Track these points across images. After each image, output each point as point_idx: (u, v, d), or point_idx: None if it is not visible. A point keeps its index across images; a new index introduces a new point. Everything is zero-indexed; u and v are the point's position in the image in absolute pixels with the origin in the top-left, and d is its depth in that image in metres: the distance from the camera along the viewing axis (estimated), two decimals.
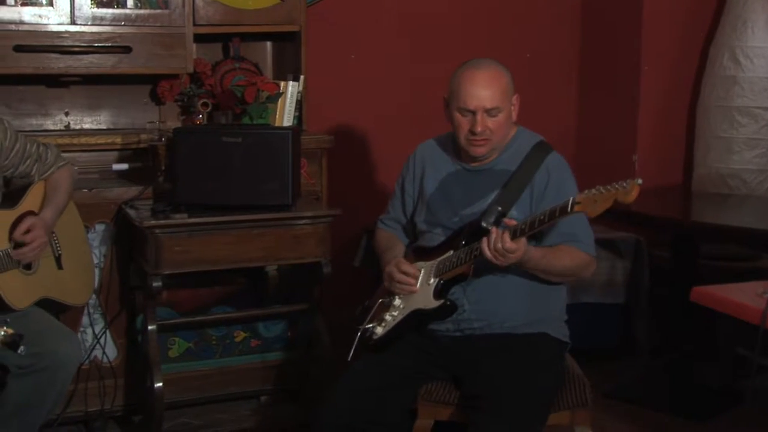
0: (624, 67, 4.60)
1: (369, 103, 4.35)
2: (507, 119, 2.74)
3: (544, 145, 2.81)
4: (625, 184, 2.35)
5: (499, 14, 4.61)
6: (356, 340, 2.81)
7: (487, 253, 2.53)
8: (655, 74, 4.51)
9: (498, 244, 2.51)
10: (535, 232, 2.53)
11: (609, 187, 2.37)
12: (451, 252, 2.69)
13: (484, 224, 2.64)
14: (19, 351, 2.31)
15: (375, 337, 2.76)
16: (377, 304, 2.84)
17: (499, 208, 2.68)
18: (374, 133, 4.39)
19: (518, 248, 2.52)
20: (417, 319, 2.72)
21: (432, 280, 2.71)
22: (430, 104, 4.40)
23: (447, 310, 2.69)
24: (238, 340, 3.67)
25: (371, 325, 2.79)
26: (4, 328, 2.30)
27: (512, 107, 2.75)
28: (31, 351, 2.66)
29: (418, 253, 2.82)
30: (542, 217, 2.48)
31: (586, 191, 2.41)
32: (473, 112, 2.68)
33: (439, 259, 2.72)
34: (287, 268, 3.63)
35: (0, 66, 3.34)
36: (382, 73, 4.40)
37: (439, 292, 2.69)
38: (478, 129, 2.68)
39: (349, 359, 2.79)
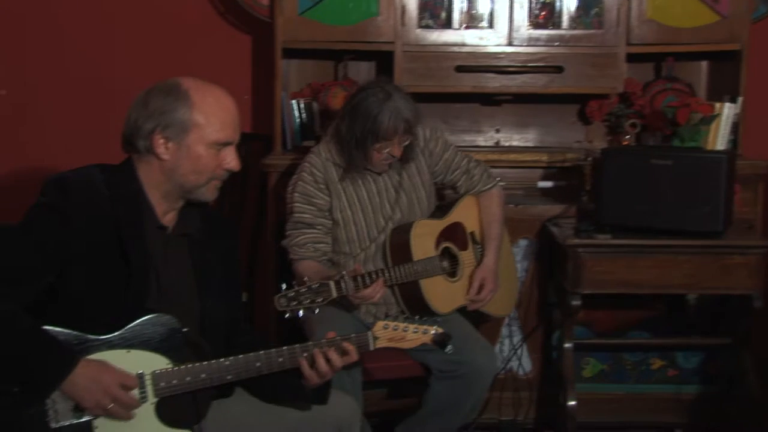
0: None
1: None
2: None
3: None
4: None
5: None
6: None
7: None
8: None
9: None
10: None
11: None
12: None
13: None
14: (446, 350, 2.42)
15: None
16: None
17: None
18: None
19: None
20: None
21: None
22: None
23: None
24: (654, 367, 3.58)
25: None
26: (435, 327, 2.41)
27: None
28: (452, 358, 2.79)
29: None
30: None
31: None
32: None
33: None
34: (710, 298, 3.50)
35: (442, 85, 3.58)
36: None
37: None
38: None
39: None
